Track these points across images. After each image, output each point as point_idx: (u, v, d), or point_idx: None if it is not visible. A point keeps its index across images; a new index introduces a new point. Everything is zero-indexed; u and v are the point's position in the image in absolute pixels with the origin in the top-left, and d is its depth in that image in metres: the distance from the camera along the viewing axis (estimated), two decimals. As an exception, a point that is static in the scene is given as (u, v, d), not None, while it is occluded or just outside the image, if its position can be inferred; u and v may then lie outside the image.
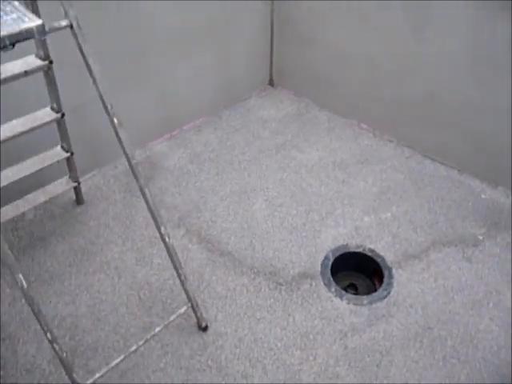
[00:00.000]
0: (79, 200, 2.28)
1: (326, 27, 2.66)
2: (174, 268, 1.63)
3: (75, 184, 2.11)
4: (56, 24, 1.08)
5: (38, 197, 2.01)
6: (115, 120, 1.23)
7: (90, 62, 1.12)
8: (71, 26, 1.09)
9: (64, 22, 1.08)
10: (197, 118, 2.81)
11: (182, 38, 2.50)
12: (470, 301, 1.92)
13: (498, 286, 1.98)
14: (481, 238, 2.17)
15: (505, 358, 1.74)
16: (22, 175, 1.82)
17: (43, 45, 1.46)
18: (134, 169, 1.34)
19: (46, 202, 2.27)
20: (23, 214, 2.22)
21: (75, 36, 1.10)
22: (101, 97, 1.19)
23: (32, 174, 1.93)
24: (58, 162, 1.89)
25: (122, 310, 1.90)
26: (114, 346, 1.78)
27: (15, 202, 2.02)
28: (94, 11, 2.04)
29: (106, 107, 1.21)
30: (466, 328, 1.83)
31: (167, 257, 2.07)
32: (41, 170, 1.95)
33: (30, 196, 2.03)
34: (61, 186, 2.06)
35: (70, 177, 2.09)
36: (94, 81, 1.16)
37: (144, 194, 1.41)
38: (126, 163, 2.50)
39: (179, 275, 1.63)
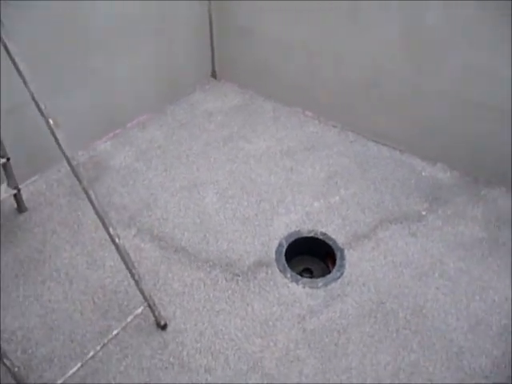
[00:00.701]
0: (21, 207, 2.18)
1: (262, 17, 2.68)
2: (127, 268, 1.60)
3: (15, 191, 2.01)
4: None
5: (-26, 207, 1.90)
6: (50, 121, 1.18)
7: (17, 60, 1.06)
8: (-7, 24, 1.03)
9: (-16, 20, 1.02)
10: (140, 114, 2.75)
11: (118, 35, 2.43)
12: (417, 273, 2.03)
13: (443, 256, 2.09)
14: (424, 213, 2.29)
15: (451, 323, 1.85)
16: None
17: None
18: (75, 170, 1.30)
19: (-17, 213, 2.17)
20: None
21: (-1, 34, 1.04)
22: (32, 97, 1.13)
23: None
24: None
25: (76, 316, 1.84)
26: (70, 354, 1.73)
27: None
28: (25, 8, 1.96)
29: (39, 108, 1.15)
30: (416, 299, 1.93)
31: (120, 258, 2.04)
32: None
33: (-36, 207, 1.92)
34: (-1, 194, 1.95)
35: (8, 184, 1.99)
36: (24, 80, 1.10)
37: (89, 196, 1.37)
38: (69, 165, 2.45)
39: (133, 275, 1.61)
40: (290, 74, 2.77)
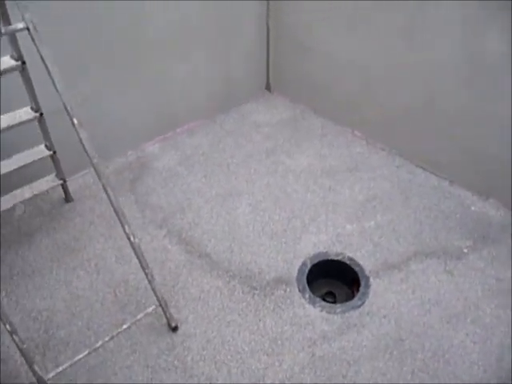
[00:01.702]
0: (68, 197, 2.34)
1: (320, 35, 2.66)
2: (141, 267, 1.66)
3: (61, 182, 2.16)
4: (12, 26, 1.12)
5: (25, 193, 2.08)
6: (75, 120, 1.26)
7: (48, 63, 1.16)
8: (28, 29, 1.13)
9: (20, 25, 1.12)
10: (191, 120, 2.84)
11: (179, 39, 2.53)
12: (446, 315, 1.88)
13: (478, 301, 1.92)
14: (465, 250, 2.12)
15: (477, 374, 1.69)
16: (5, 171, 1.88)
17: (15, 46, 1.51)
18: (95, 168, 1.37)
19: (35, 199, 2.35)
20: (13, 209, 2.30)
21: (32, 38, 1.14)
22: (61, 98, 1.22)
23: (19, 170, 2.00)
24: (39, 159, 1.95)
25: (96, 306, 1.94)
26: (85, 341, 1.81)
27: (3, 197, 2.09)
28: (85, 10, 2.10)
29: (65, 108, 1.24)
30: (440, 342, 1.79)
31: (146, 256, 2.10)
32: (28, 167, 2.02)
33: (17, 192, 2.10)
34: (47, 183, 2.12)
35: (56, 175, 2.15)
36: (53, 82, 1.19)
37: (107, 193, 1.44)
38: (117, 163, 2.60)
39: (146, 275, 1.66)
40: (342, 92, 2.72)
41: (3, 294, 1.97)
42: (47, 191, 2.37)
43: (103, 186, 1.42)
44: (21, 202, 2.13)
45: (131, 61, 2.40)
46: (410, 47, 2.30)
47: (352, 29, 2.49)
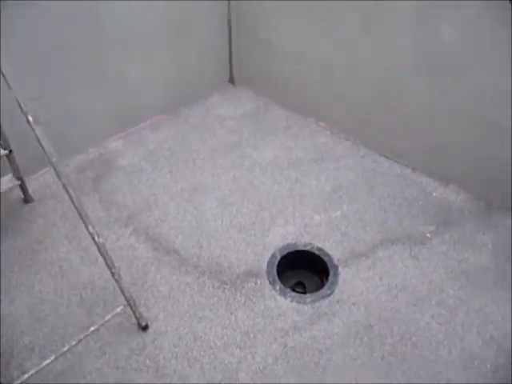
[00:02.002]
0: (27, 198, 2.25)
1: (280, 27, 2.65)
2: (107, 267, 1.61)
3: (18, 182, 2.07)
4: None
5: (-20, 195, 1.98)
6: (30, 118, 1.21)
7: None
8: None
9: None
10: (154, 115, 2.79)
11: (139, 36, 2.48)
12: (412, 298, 1.93)
13: (443, 283, 1.99)
14: (429, 235, 2.19)
15: (442, 355, 1.75)
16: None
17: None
18: (54, 167, 1.32)
19: (-8, 201, 2.25)
20: (-32, 212, 2.20)
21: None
22: (14, 95, 1.16)
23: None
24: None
25: (62, 309, 1.88)
26: (50, 346, 1.76)
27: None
28: (47, 9, 2.04)
29: (19, 105, 1.18)
30: (407, 325, 1.84)
31: (113, 256, 2.05)
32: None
33: (-29, 194, 2.00)
34: (3, 184, 2.02)
35: (13, 175, 2.06)
36: (4, 77, 1.13)
37: (68, 193, 1.39)
38: (79, 161, 2.52)
39: (113, 274, 1.62)
40: (304, 84, 2.74)
41: (-39, 301, 1.88)
42: (4, 192, 2.28)
43: (63, 185, 1.37)
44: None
45: (91, 59, 2.34)
46: (369, 41, 2.33)
47: (312, 24, 2.49)
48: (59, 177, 1.35)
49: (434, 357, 1.74)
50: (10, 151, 1.91)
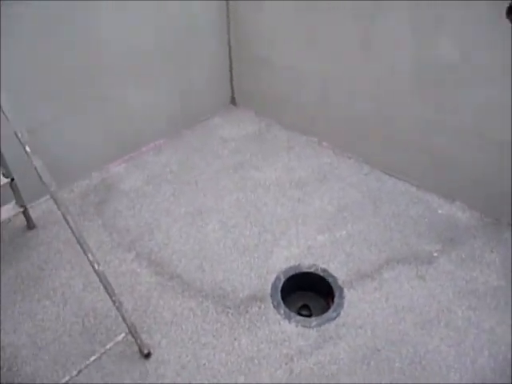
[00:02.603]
0: (30, 225, 2.25)
1: (281, 48, 2.68)
2: (108, 295, 1.59)
3: (21, 209, 2.08)
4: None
5: (-17, 223, 1.99)
6: (27, 148, 1.21)
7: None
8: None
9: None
10: (157, 139, 2.80)
11: (139, 60, 2.51)
12: (420, 320, 1.88)
13: (450, 304, 1.94)
14: (435, 254, 2.14)
15: (453, 379, 1.69)
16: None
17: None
18: (53, 196, 1.32)
19: (-5, 228, 2.26)
20: (-28, 240, 2.21)
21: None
22: (11, 125, 1.17)
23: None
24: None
25: (64, 338, 1.85)
26: (52, 376, 1.73)
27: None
28: (46, 35, 2.07)
29: (16, 135, 1.19)
30: (415, 348, 1.79)
31: (115, 281, 2.05)
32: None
33: (-26, 222, 2.01)
34: (6, 211, 2.03)
35: (16, 202, 2.07)
36: (1, 109, 1.14)
37: (67, 221, 1.38)
38: (83, 186, 2.53)
39: (114, 302, 1.60)
40: (306, 104, 2.74)
41: (-37, 331, 1.87)
42: (8, 219, 2.29)
43: (63, 214, 1.37)
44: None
45: (91, 84, 2.37)
46: (368, 58, 2.34)
47: (311, 42, 2.51)
48: (58, 206, 1.35)
49: (444, 381, 1.69)
50: (12, 179, 1.92)
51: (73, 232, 1.41)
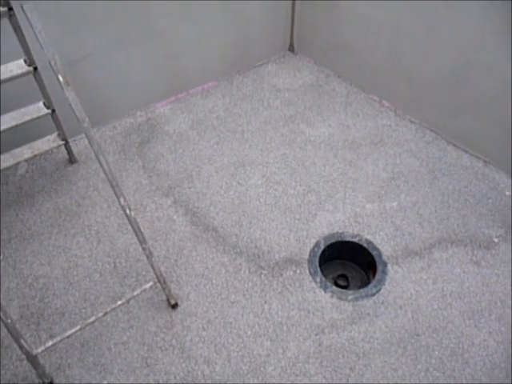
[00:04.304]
0: (72, 159, 2.22)
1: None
2: (139, 242, 1.53)
3: (63, 142, 2.03)
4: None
5: (24, 152, 1.96)
6: (60, 78, 1.11)
7: (29, 16, 0.99)
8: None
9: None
10: (206, 81, 2.65)
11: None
12: (469, 310, 1.72)
13: (506, 296, 1.75)
14: (496, 240, 1.93)
15: (497, 377, 1.55)
16: (3, 127, 1.75)
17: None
18: (86, 133, 1.22)
19: (39, 159, 2.25)
20: (15, 168, 2.20)
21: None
22: (44, 52, 1.06)
23: (20, 128, 1.86)
24: (39, 118, 1.81)
25: (95, 276, 1.84)
26: (80, 312, 1.73)
27: (3, 155, 1.97)
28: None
29: (50, 64, 1.08)
30: (459, 339, 1.64)
31: (150, 226, 2.01)
32: (29, 125, 1.88)
33: (16, 151, 1.98)
34: (47, 143, 1.99)
35: (58, 135, 2.02)
36: (35, 35, 1.03)
37: (100, 162, 1.29)
38: (126, 124, 2.45)
39: (144, 250, 1.54)
40: (371, 57, 2.47)
41: (0, 257, 1.89)
42: (51, 151, 2.26)
43: (95, 153, 1.28)
44: (24, 160, 2.02)
45: (139, 16, 2.20)
46: (449, 10, 2.02)
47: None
48: (91, 143, 1.26)
49: (488, 379, 1.55)
50: (53, 110, 1.85)
51: (105, 173, 1.33)
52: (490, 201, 2.07)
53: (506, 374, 1.56)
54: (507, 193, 2.10)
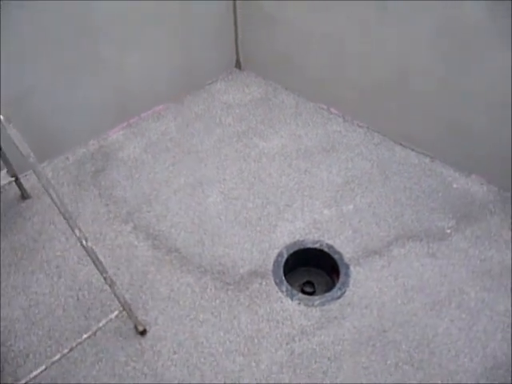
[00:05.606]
0: (24, 194, 2.17)
1: (287, 5, 2.46)
2: (99, 272, 1.51)
3: (13, 179, 1.98)
4: None
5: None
6: (1, 117, 1.09)
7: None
8: None
9: None
10: (157, 104, 2.66)
11: (134, 20, 2.32)
12: (430, 301, 1.79)
13: (463, 284, 1.84)
14: (448, 231, 2.03)
15: (463, 363, 1.61)
16: None
17: None
18: (34, 168, 1.21)
19: (-11, 198, 2.18)
20: (-36, 209, 2.13)
21: None
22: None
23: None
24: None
25: (58, 312, 1.80)
26: (46, 351, 1.68)
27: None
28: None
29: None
30: (424, 331, 1.70)
31: (111, 255, 1.98)
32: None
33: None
34: (-4, 181, 1.94)
35: (7, 171, 1.97)
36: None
37: (50, 195, 1.28)
38: (79, 154, 2.42)
39: (105, 279, 1.51)
40: (315, 68, 2.56)
41: (-44, 304, 1.82)
42: (3, 188, 2.20)
43: (44, 187, 1.26)
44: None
45: (86, 45, 2.20)
46: (385, 20, 2.13)
47: (326, 1, 2.30)
48: (38, 178, 1.24)
49: (454, 366, 1.61)
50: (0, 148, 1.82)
51: (57, 206, 1.31)
52: (440, 194, 2.17)
53: (470, 359, 1.62)
54: (455, 185, 2.21)
